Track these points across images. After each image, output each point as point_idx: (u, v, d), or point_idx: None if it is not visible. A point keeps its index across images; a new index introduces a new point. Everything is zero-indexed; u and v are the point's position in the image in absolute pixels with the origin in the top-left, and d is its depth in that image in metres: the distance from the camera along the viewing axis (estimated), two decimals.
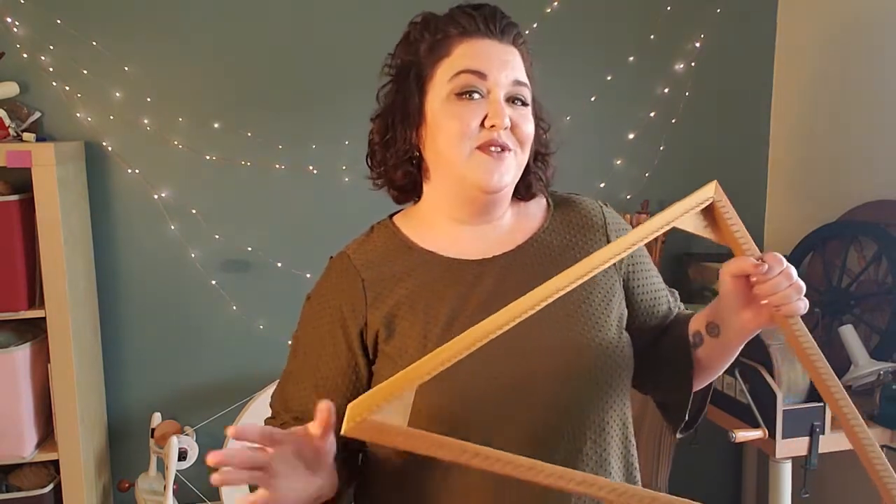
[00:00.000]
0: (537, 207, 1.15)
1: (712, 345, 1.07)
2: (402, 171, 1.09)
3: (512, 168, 1.03)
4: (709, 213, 0.97)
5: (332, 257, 1.12)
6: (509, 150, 1.02)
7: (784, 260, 0.96)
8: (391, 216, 1.15)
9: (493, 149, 1.01)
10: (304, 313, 1.11)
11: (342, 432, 0.83)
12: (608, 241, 1.11)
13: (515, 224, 1.11)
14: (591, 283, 1.07)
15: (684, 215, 0.94)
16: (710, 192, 0.95)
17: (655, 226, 0.92)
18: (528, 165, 1.08)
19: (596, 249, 1.08)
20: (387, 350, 1.04)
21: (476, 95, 1.01)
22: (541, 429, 1.00)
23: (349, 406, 0.82)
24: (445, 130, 1.02)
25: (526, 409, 1.00)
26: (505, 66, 1.03)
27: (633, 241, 0.92)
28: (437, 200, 1.09)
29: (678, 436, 1.18)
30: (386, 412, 0.83)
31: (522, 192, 1.11)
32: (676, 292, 1.23)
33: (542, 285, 0.88)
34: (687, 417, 1.14)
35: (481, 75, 1.01)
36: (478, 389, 0.99)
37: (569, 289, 0.88)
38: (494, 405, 0.99)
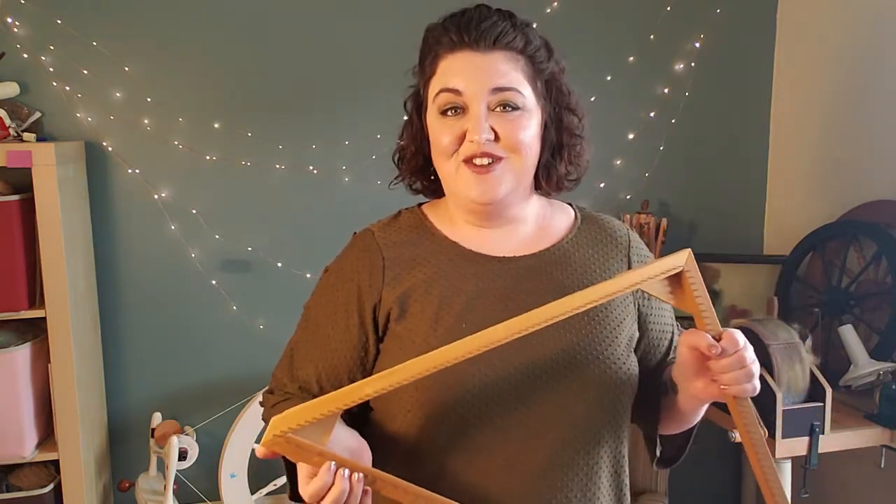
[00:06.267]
0: (564, 218, 1.16)
1: (673, 399, 1.08)
2: (415, 180, 1.15)
3: (505, 177, 1.03)
4: (676, 279, 0.97)
5: (356, 233, 1.14)
6: (499, 159, 1.02)
7: (741, 340, 0.95)
8: (419, 205, 1.17)
9: (477, 161, 1.02)
10: (320, 284, 1.13)
11: (260, 445, 0.85)
12: (629, 262, 1.13)
13: (539, 231, 1.12)
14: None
15: (651, 280, 0.94)
16: (680, 261, 0.96)
17: (621, 285, 0.93)
18: (543, 162, 1.09)
19: (616, 268, 1.11)
20: (397, 330, 1.05)
21: (459, 111, 1.03)
22: (532, 434, 1.00)
23: (272, 419, 0.84)
24: (434, 148, 1.06)
25: (522, 409, 1.00)
26: (481, 76, 1.01)
27: (596, 296, 0.92)
28: (453, 205, 1.12)
29: (654, 468, 1.19)
30: (308, 431, 0.84)
31: (543, 187, 1.13)
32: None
33: (527, 315, 0.89)
34: (658, 454, 1.15)
35: (456, 92, 1.02)
36: (478, 383, 0.99)
37: (552, 322, 0.89)
38: (491, 401, 1.00)
